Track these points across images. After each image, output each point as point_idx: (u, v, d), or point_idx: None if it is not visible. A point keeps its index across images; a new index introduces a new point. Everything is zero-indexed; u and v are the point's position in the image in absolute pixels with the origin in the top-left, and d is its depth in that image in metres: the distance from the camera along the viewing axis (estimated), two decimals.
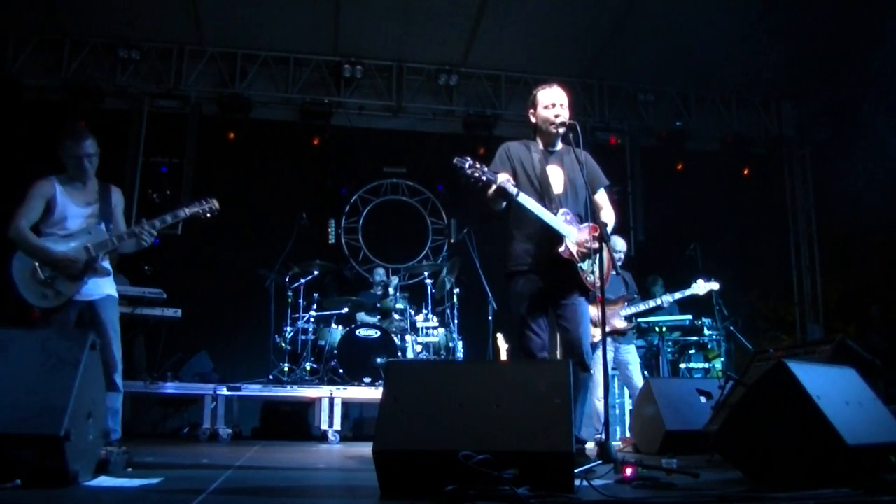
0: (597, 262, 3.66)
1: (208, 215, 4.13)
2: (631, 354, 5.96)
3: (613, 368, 6.04)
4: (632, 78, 9.15)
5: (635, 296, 5.94)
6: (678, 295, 5.99)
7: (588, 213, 3.75)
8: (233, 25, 8.18)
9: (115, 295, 4.05)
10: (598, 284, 3.69)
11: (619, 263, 6.03)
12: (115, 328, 3.93)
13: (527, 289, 3.71)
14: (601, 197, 3.97)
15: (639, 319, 7.18)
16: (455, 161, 3.53)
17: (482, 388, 2.68)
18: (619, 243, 6.04)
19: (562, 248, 3.66)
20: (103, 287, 3.96)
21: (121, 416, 3.91)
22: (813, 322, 9.47)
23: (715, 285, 6.00)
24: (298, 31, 8.31)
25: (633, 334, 6.16)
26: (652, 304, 5.91)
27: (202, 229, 7.23)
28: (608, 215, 3.94)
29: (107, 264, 4.01)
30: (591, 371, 3.78)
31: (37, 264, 3.78)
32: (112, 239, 3.93)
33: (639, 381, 5.84)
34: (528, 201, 3.61)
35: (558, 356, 4.33)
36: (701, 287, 5.96)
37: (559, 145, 3.90)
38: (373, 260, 9.05)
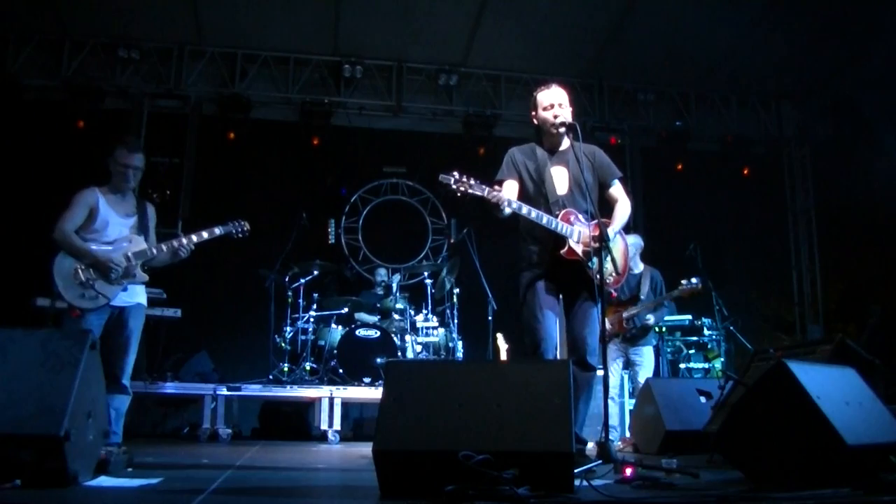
0: (607, 259, 3.65)
1: (239, 236, 4.36)
2: (642, 356, 5.88)
3: (625, 369, 6.02)
4: (632, 78, 9.15)
5: (641, 297, 5.85)
6: (661, 298, 5.92)
7: (595, 211, 3.74)
8: (233, 25, 8.18)
9: (145, 303, 4.20)
10: (608, 282, 3.68)
11: (637, 259, 6.02)
12: (138, 336, 4.07)
13: (535, 282, 3.72)
14: (616, 189, 3.96)
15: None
16: (440, 178, 3.54)
17: (482, 388, 2.68)
18: (631, 239, 5.94)
19: (564, 250, 3.66)
20: (137, 295, 4.11)
21: (123, 419, 3.93)
22: (813, 322, 9.47)
23: (695, 282, 5.77)
24: (298, 31, 8.31)
25: (654, 336, 6.10)
26: (640, 307, 5.84)
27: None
28: (622, 208, 3.93)
29: (142, 273, 4.12)
30: (597, 370, 3.78)
31: (79, 266, 3.89)
32: (151, 249, 4.09)
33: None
34: (522, 207, 3.62)
35: (559, 355, 4.34)
36: (684, 291, 5.80)
37: (565, 145, 3.89)
38: (373, 260, 9.05)
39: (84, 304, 3.87)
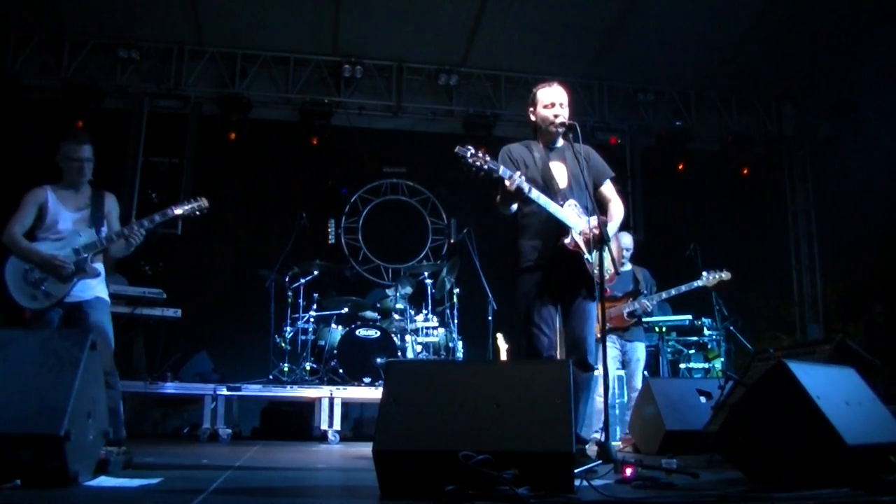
0: (605, 254, 3.65)
1: (198, 213, 4.18)
2: (638, 352, 5.90)
3: (620, 367, 6.01)
4: (632, 78, 9.14)
5: (644, 291, 5.89)
6: (684, 288, 5.96)
7: (593, 207, 3.74)
8: (233, 25, 8.18)
9: (105, 298, 4.09)
10: (604, 278, 3.68)
11: (628, 258, 6.03)
12: (104, 329, 3.94)
13: (534, 286, 3.71)
14: (608, 189, 3.97)
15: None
16: (456, 150, 3.52)
17: (482, 388, 2.67)
18: (626, 239, 6.00)
19: (567, 240, 3.66)
20: (93, 289, 4.01)
21: (121, 416, 3.90)
22: (813, 322, 9.47)
23: (726, 275, 5.93)
24: (298, 31, 8.30)
25: (642, 333, 6.12)
26: (663, 296, 5.91)
27: (202, 229, 7.26)
28: (617, 207, 3.95)
29: (98, 266, 4.05)
30: (595, 371, 3.78)
31: (27, 266, 3.88)
32: (101, 240, 3.99)
33: (638, 382, 5.84)
34: (532, 190, 3.60)
35: (559, 355, 4.34)
36: (711, 279, 5.90)
37: (560, 142, 3.90)
38: (373, 260, 9.05)
39: (34, 305, 3.85)
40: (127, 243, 4.02)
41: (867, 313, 7.72)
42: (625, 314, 5.77)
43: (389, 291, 7.57)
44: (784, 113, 9.77)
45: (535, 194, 3.61)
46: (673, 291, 5.99)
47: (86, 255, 3.94)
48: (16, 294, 3.86)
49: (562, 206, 3.69)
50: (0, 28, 7.90)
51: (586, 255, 3.67)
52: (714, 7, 7.57)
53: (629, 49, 8.38)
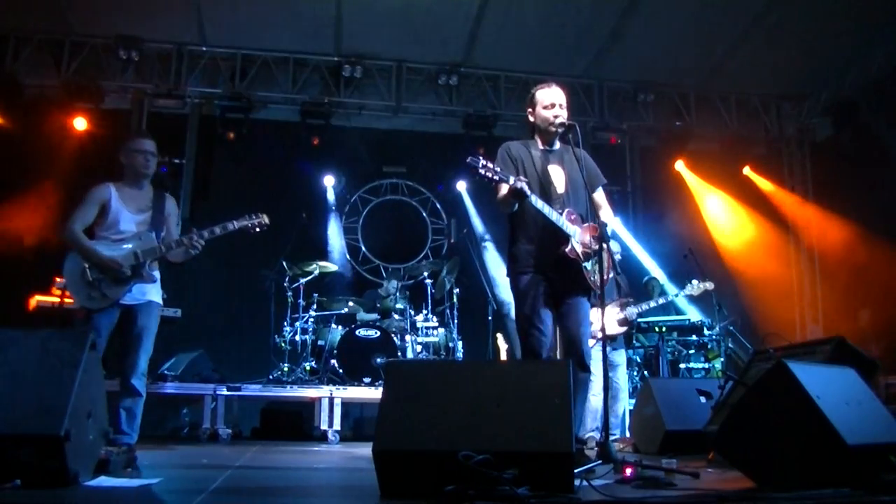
0: (603, 260, 3.65)
1: (257, 230, 4.23)
2: (619, 357, 5.90)
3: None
4: (632, 78, 9.14)
5: (630, 299, 5.90)
6: (671, 297, 6.05)
7: (588, 213, 3.75)
8: (233, 25, 8.17)
9: (159, 301, 4.10)
10: (597, 285, 3.68)
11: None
12: (150, 335, 3.97)
13: (531, 288, 3.71)
14: (599, 195, 3.98)
15: (639, 320, 7.19)
16: (469, 160, 3.53)
17: (482, 388, 2.68)
18: (613, 245, 5.99)
19: (568, 248, 3.66)
20: (148, 293, 4.01)
21: (137, 420, 3.87)
22: (813, 322, 9.47)
23: (709, 285, 6.01)
24: (299, 31, 8.29)
25: (623, 339, 6.15)
26: (651, 304, 5.93)
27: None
28: (607, 214, 3.96)
29: (155, 272, 4.05)
30: (591, 371, 3.78)
31: (87, 266, 3.85)
32: (160, 246, 4.00)
33: (623, 385, 5.85)
34: (537, 201, 3.62)
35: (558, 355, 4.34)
36: (696, 288, 6.00)
37: (557, 144, 3.91)
38: (373, 260, 9.04)
39: (90, 305, 3.84)
40: (186, 251, 4.04)
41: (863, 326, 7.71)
42: (616, 322, 5.76)
43: (381, 291, 7.59)
44: (784, 113, 9.76)
45: (540, 204, 3.62)
46: (661, 300, 6.10)
47: (144, 261, 3.94)
48: (73, 292, 3.86)
49: (561, 212, 3.69)
50: (0, 28, 7.90)
51: (584, 263, 3.68)
52: (714, 7, 7.57)
53: (629, 49, 8.38)
